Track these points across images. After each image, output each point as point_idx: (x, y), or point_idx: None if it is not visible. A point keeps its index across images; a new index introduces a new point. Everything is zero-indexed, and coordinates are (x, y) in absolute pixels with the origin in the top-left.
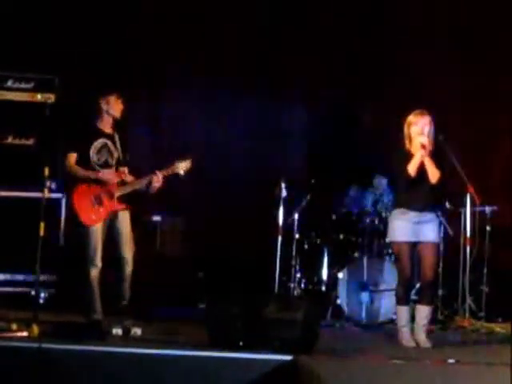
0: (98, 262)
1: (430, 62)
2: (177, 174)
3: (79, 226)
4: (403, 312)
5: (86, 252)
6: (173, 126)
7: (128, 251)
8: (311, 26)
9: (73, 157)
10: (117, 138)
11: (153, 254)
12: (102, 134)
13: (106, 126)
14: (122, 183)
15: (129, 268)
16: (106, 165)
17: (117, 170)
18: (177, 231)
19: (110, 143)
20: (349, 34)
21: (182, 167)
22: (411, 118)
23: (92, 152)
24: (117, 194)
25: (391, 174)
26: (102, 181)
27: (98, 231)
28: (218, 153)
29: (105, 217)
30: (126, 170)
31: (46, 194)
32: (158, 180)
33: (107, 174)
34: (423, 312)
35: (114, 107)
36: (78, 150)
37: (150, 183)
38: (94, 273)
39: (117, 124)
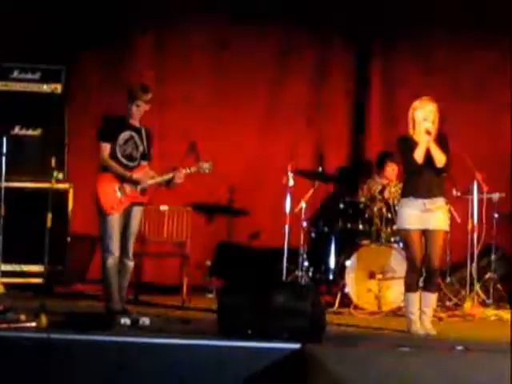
0: (115, 251)
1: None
2: (198, 173)
3: (99, 214)
4: (412, 299)
5: (103, 240)
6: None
7: (131, 247)
8: None
9: (107, 148)
10: (144, 132)
11: (160, 243)
12: (130, 127)
13: (135, 119)
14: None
15: (132, 263)
16: (130, 157)
17: (140, 163)
18: (184, 220)
19: (136, 136)
20: None
21: (206, 168)
22: (416, 103)
23: (118, 144)
24: (140, 186)
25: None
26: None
27: (116, 220)
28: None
29: (125, 207)
30: (147, 165)
31: (54, 185)
32: (180, 177)
33: (139, 175)
34: (429, 299)
35: (140, 101)
36: (108, 140)
37: (172, 179)
38: (111, 261)
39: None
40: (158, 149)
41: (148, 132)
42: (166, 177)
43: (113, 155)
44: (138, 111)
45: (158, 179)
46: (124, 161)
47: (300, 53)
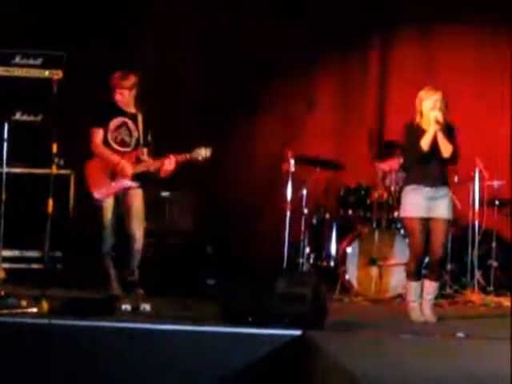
0: (110, 237)
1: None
2: (195, 160)
3: (91, 201)
4: (413, 287)
5: (99, 227)
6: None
7: (137, 227)
8: None
9: (99, 134)
10: (140, 117)
11: (161, 229)
12: (123, 113)
13: (128, 104)
14: (137, 162)
15: (138, 244)
16: (123, 143)
17: (135, 149)
18: (185, 206)
19: (130, 122)
20: None
21: (202, 154)
22: (423, 93)
23: (110, 130)
24: (131, 171)
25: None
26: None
27: (109, 206)
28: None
29: (118, 193)
30: (145, 150)
31: (55, 171)
32: (170, 164)
33: (125, 167)
34: (430, 287)
35: (121, 89)
36: (100, 125)
37: (162, 166)
38: (107, 248)
39: (142, 104)
40: None
41: (144, 117)
42: (157, 163)
43: (105, 141)
44: (124, 98)
45: (150, 166)
46: (115, 146)
47: None
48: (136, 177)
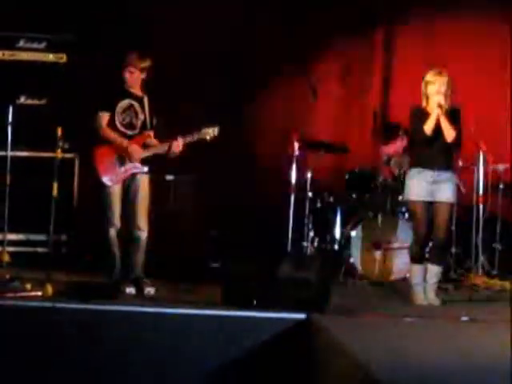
0: (117, 222)
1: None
2: (203, 140)
3: (99, 187)
4: (417, 270)
5: (105, 212)
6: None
7: (142, 218)
8: None
9: (106, 117)
10: (146, 100)
11: (166, 213)
12: (130, 95)
13: (135, 86)
14: (145, 146)
15: (142, 234)
16: (130, 126)
17: (141, 132)
18: (190, 190)
19: (136, 105)
20: None
21: (209, 134)
22: (428, 77)
23: (117, 112)
24: (139, 156)
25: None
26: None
27: (116, 192)
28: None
29: (125, 178)
30: (151, 133)
31: (59, 154)
32: (177, 146)
33: (134, 152)
34: (433, 271)
35: (133, 67)
36: (106, 109)
37: (169, 148)
38: (113, 232)
39: (147, 87)
40: None
41: (151, 100)
42: (165, 146)
43: (111, 124)
44: (132, 78)
45: (157, 149)
46: (122, 129)
47: None
48: (144, 161)
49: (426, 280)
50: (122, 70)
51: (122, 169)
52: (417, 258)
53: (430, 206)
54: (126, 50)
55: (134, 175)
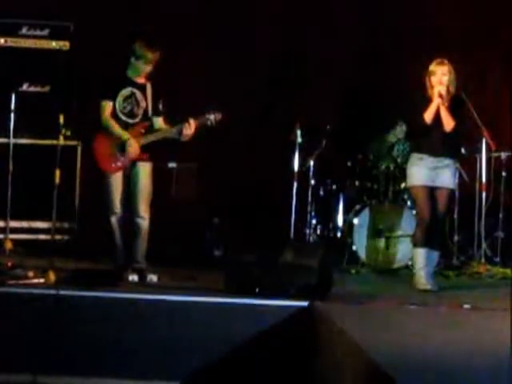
0: (118, 210)
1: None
2: (206, 125)
3: (100, 175)
4: (420, 255)
5: (106, 200)
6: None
7: (143, 205)
8: None
9: (109, 107)
10: (149, 87)
11: (168, 201)
12: (131, 83)
13: (137, 74)
14: (150, 131)
15: (144, 222)
16: (130, 115)
17: (143, 120)
18: (192, 178)
19: (138, 93)
20: None
21: (213, 119)
22: (431, 67)
23: (118, 101)
24: (141, 142)
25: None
26: (128, 129)
27: (118, 179)
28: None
29: (126, 165)
30: (160, 119)
31: (62, 142)
32: (190, 128)
33: (134, 146)
34: (430, 256)
35: (141, 55)
36: (108, 98)
37: (181, 131)
38: (114, 220)
39: (153, 73)
40: None
41: (156, 87)
42: (174, 129)
43: (114, 113)
44: (144, 71)
45: (167, 132)
46: (123, 117)
47: None
48: (145, 147)
49: (425, 265)
50: (133, 59)
51: (122, 158)
52: (420, 241)
53: (432, 191)
54: (129, 36)
55: (135, 163)
